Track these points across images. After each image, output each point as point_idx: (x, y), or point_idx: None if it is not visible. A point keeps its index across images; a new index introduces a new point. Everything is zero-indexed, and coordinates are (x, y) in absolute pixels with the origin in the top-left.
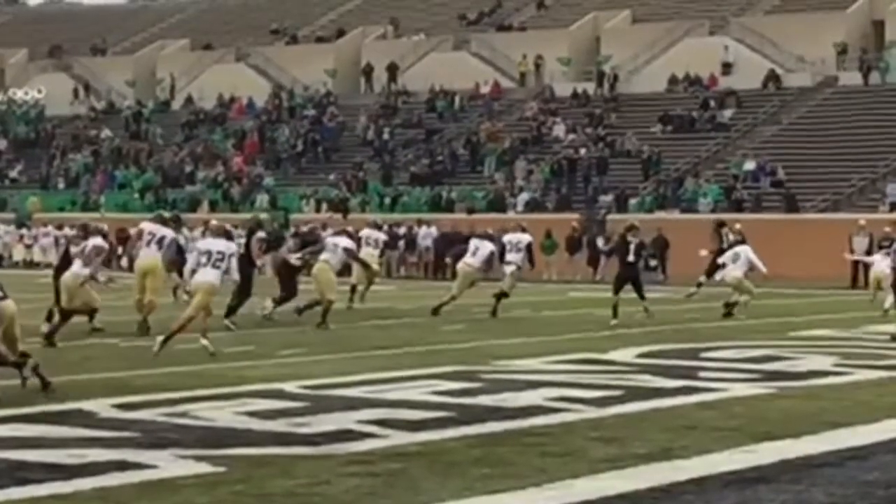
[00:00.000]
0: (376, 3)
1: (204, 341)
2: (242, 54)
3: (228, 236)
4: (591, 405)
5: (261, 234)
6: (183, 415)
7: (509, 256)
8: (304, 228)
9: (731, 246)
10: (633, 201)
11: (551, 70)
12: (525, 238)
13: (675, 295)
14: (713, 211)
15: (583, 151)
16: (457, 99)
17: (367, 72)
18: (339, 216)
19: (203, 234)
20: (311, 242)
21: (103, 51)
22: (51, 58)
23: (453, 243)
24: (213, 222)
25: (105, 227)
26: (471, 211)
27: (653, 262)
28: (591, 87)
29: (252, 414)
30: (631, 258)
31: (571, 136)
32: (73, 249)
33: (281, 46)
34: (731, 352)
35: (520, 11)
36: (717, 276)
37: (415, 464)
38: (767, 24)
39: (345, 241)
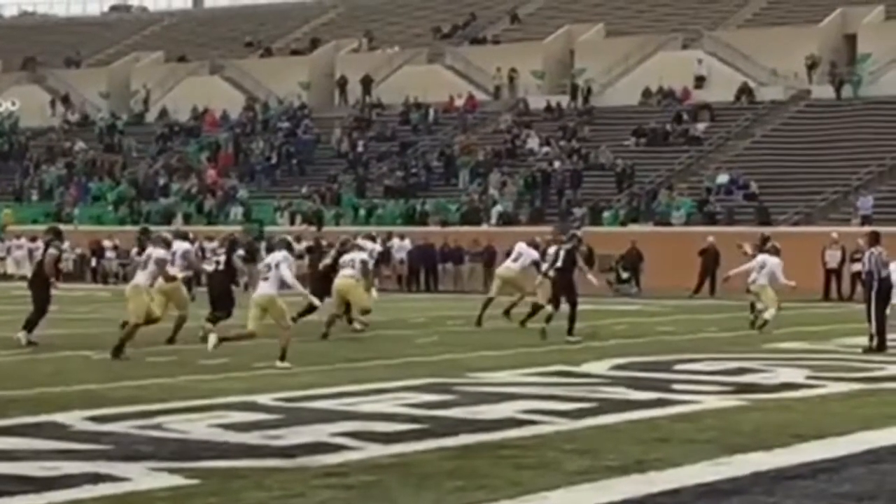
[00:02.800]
0: (350, 16)
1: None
2: (217, 66)
3: (289, 248)
4: (565, 417)
5: (240, 251)
6: (156, 427)
7: (544, 268)
8: (321, 242)
9: (764, 252)
10: (606, 214)
11: (525, 83)
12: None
13: (649, 307)
14: (686, 224)
15: (557, 164)
16: (431, 112)
17: (342, 84)
18: (312, 229)
19: None
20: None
21: (77, 63)
22: (24, 70)
23: (427, 256)
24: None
25: (169, 236)
26: (444, 223)
27: (625, 275)
28: (564, 101)
29: (226, 426)
30: (559, 264)
31: (545, 149)
32: (137, 259)
33: (255, 59)
34: (704, 364)
35: (494, 25)
36: (749, 280)
37: (389, 476)
38: (740, 38)
39: (360, 255)
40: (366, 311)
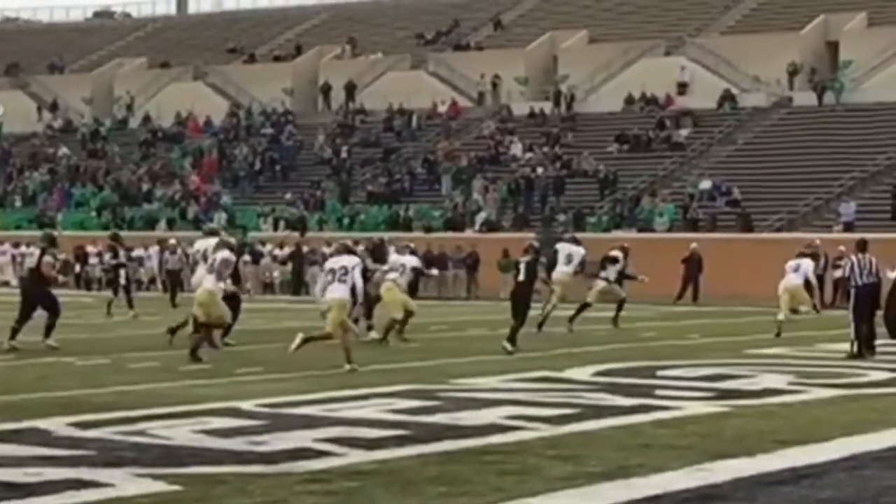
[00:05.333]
0: (334, 23)
1: (347, 366)
2: (200, 73)
3: (351, 252)
4: (548, 423)
5: (245, 257)
6: (140, 433)
7: (604, 273)
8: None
9: (798, 256)
10: (590, 220)
11: (508, 89)
12: (615, 254)
13: (632, 313)
14: (669, 230)
15: (540, 170)
16: (414, 118)
17: (325, 90)
18: (296, 234)
19: (161, 253)
20: (378, 256)
21: (61, 69)
22: (7, 76)
23: None
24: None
25: (233, 240)
26: (428, 230)
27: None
28: (548, 107)
29: (209, 432)
30: (521, 277)
31: (528, 156)
32: (203, 265)
33: (238, 65)
34: (687, 370)
35: (477, 31)
36: (780, 287)
37: (372, 482)
38: (723, 45)
39: (413, 260)
40: (394, 322)
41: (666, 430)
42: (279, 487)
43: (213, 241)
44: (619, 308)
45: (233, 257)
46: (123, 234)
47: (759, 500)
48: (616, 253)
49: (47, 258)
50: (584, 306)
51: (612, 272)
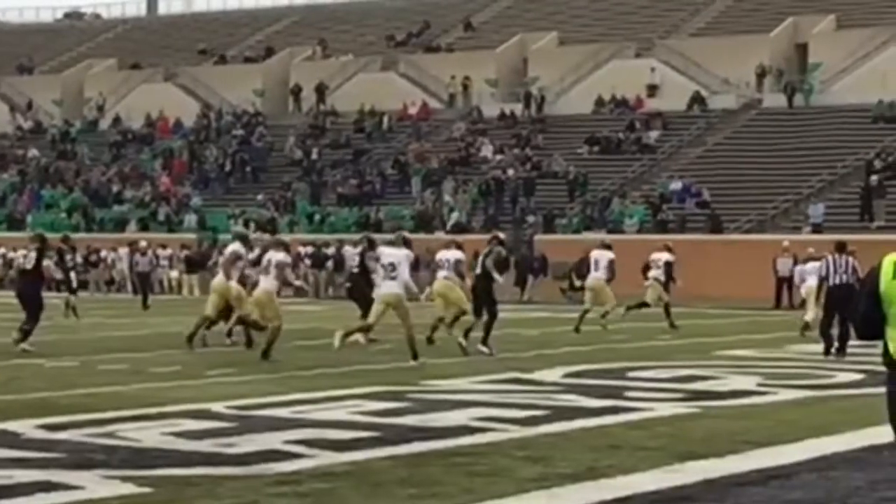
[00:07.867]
0: (304, 24)
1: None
2: (170, 74)
3: (408, 245)
4: (518, 425)
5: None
6: (109, 435)
7: (652, 273)
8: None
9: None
10: (560, 222)
11: (479, 91)
12: (664, 256)
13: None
14: (639, 231)
15: (510, 172)
16: (385, 119)
17: (296, 92)
18: (266, 236)
19: (131, 255)
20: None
21: (30, 70)
22: None
23: None
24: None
25: (287, 240)
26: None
27: (579, 283)
28: (518, 108)
29: (179, 434)
30: (478, 270)
31: (499, 157)
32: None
33: (209, 66)
34: (657, 372)
35: (447, 33)
36: (802, 291)
37: (342, 484)
38: (693, 47)
39: (456, 255)
40: (462, 313)
41: (636, 432)
42: (249, 489)
43: (236, 245)
44: (667, 309)
45: (288, 258)
46: (93, 235)
47: (729, 501)
48: (667, 256)
49: (47, 262)
50: (642, 305)
51: (659, 273)
